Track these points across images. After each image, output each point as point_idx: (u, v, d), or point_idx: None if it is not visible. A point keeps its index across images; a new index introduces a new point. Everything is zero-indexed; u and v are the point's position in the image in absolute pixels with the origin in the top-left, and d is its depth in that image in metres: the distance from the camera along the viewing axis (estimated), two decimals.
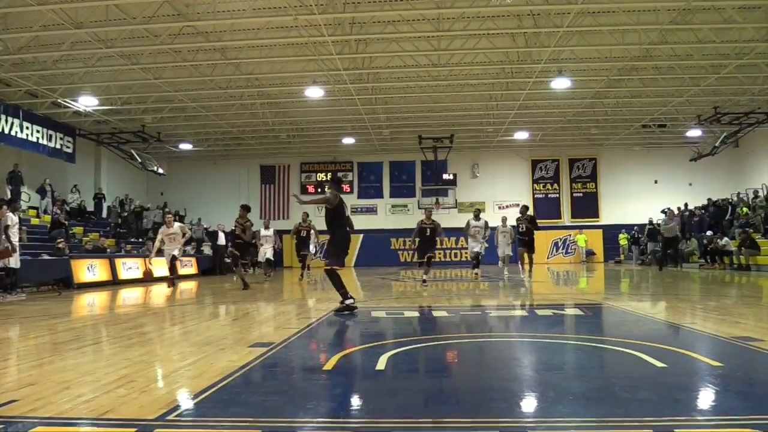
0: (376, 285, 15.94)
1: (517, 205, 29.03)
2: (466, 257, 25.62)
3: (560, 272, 21.90)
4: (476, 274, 16.44)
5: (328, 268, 8.69)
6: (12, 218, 12.97)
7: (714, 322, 7.07)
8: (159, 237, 15.01)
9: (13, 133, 20.52)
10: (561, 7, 15.07)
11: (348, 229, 8.87)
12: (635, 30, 16.47)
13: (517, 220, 15.97)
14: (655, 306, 9.95)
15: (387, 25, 16.51)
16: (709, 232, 23.70)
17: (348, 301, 8.48)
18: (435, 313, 8.51)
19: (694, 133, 27.55)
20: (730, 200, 26.10)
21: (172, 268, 15.35)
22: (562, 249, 31.97)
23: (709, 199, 27.18)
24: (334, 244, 8.75)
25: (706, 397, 3.78)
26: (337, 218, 8.64)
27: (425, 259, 14.47)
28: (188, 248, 25.91)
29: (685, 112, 24.81)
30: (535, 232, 15.73)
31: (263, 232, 18.53)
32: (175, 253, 15.01)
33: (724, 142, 25.85)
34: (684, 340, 6.03)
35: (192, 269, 23.87)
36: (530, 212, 16.81)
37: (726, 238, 22.12)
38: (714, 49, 17.82)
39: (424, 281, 14.29)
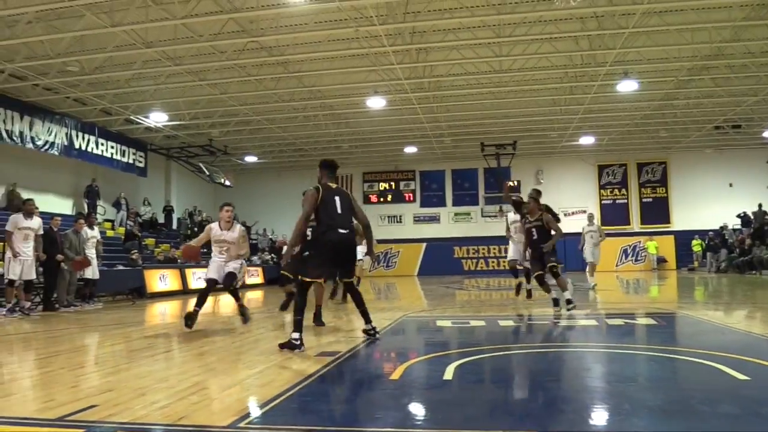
0: (440, 294, 15.85)
1: (584, 211, 28.27)
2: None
3: (630, 280, 21.24)
4: (517, 289, 12.21)
5: (301, 279, 6.55)
6: (88, 232, 13.57)
7: None
8: (203, 237, 9.03)
9: (89, 149, 21.63)
10: (626, 8, 14.67)
11: (341, 230, 6.41)
12: (705, 28, 15.86)
13: (522, 217, 10.43)
14: (732, 315, 9.51)
15: (447, 33, 16.46)
16: None
17: (294, 335, 5.99)
18: (501, 323, 8.38)
19: None
20: None
21: (235, 292, 9.04)
22: (632, 256, 30.99)
23: None
24: (313, 248, 6.81)
25: None
26: (319, 215, 6.48)
27: (543, 272, 9.55)
28: (255, 258, 26.47)
29: (761, 111, 23.70)
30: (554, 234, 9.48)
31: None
32: (233, 267, 8.86)
33: None
34: (767, 351, 5.73)
35: (258, 279, 24.36)
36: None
37: None
38: None
39: (569, 302, 9.23)
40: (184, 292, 18.52)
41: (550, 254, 9.34)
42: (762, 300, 12.07)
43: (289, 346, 5.99)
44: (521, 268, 11.86)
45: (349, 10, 14.63)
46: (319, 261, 6.49)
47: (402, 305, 12.19)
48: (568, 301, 9.18)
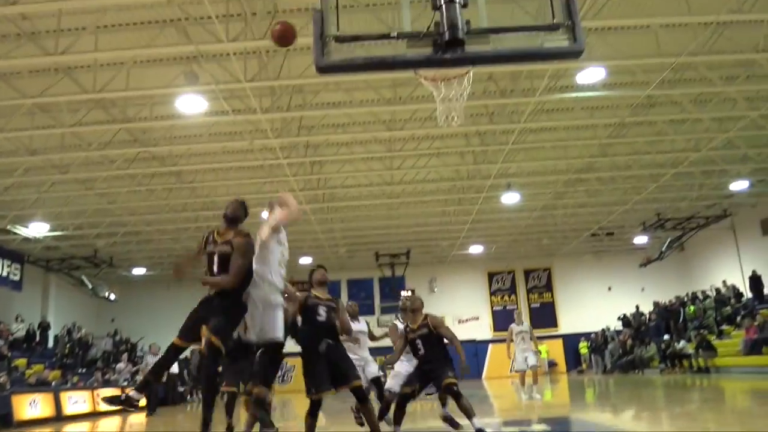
0: (336, 410, 15.29)
1: (477, 318, 28.77)
2: None
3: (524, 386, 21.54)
4: None
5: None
6: None
7: (681, 429, 7.00)
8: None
9: None
10: (505, 126, 15.79)
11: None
12: (576, 145, 17.32)
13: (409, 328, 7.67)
14: (620, 416, 9.84)
15: (341, 146, 16.99)
16: (666, 336, 23.98)
17: None
18: None
19: (641, 239, 28.50)
20: (683, 300, 26.49)
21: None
22: None
23: (655, 303, 27.69)
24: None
25: None
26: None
27: (415, 394, 7.55)
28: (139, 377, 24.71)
29: (630, 219, 25.64)
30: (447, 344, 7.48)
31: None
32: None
33: (670, 246, 26.85)
34: None
35: (142, 400, 22.63)
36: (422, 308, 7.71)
37: (683, 341, 22.40)
38: (650, 160, 18.74)
39: None
40: (58, 418, 16.86)
41: (447, 367, 7.13)
42: (645, 399, 12.59)
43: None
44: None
45: (243, 123, 14.87)
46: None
47: (298, 426, 11.66)
48: None
